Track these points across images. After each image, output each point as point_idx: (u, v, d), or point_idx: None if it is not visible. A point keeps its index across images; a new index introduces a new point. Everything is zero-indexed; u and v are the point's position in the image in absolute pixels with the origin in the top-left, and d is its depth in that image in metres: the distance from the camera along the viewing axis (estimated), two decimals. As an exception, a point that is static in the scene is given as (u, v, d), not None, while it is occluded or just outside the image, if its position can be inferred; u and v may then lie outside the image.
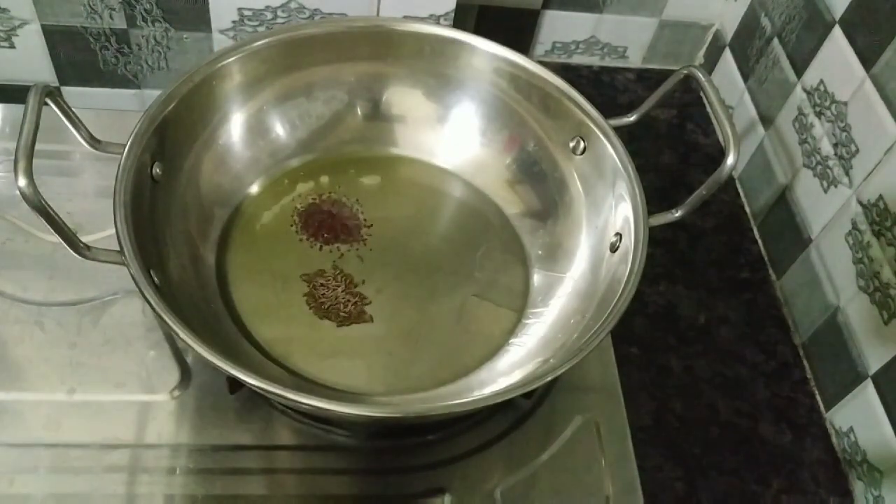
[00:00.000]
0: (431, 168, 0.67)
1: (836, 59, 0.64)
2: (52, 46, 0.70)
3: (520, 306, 0.60)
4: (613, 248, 0.56)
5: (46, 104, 0.48)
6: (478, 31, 0.63)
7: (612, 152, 0.57)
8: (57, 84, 0.73)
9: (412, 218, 0.63)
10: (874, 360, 0.59)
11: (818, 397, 0.65)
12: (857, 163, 0.61)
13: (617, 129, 0.58)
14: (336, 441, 0.54)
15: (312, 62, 0.63)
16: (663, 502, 0.57)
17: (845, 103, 0.63)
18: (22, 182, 0.44)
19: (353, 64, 0.64)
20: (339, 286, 0.58)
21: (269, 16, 0.70)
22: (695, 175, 0.79)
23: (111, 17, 0.68)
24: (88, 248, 0.47)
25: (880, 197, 0.59)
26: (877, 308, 0.59)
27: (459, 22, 0.74)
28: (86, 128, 0.53)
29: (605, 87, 0.86)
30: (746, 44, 0.79)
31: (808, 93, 0.68)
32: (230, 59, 0.58)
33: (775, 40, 0.74)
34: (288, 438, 0.53)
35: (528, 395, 0.56)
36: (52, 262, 0.59)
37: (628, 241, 0.54)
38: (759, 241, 0.75)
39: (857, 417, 0.60)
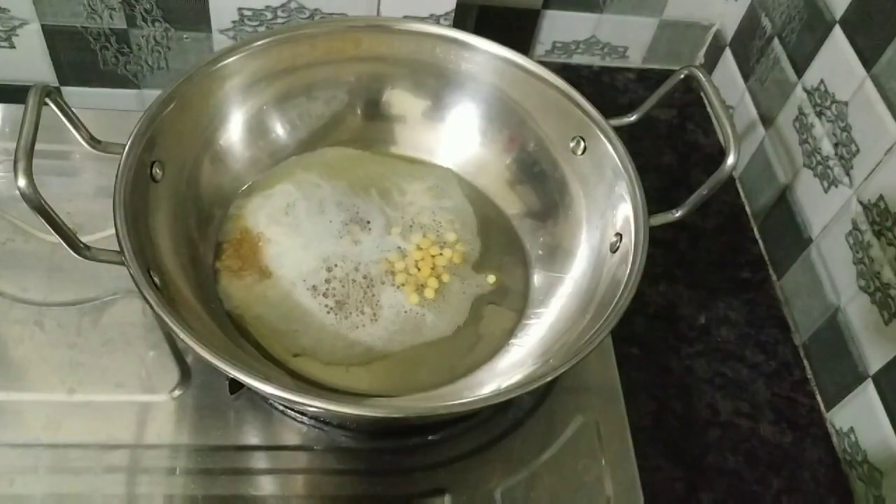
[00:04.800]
0: (431, 168, 0.67)
1: (837, 59, 0.64)
2: (52, 46, 0.70)
3: (520, 306, 0.60)
4: (614, 249, 0.56)
5: (46, 104, 0.48)
6: (478, 31, 0.63)
7: (612, 152, 0.57)
8: (57, 84, 0.73)
9: (412, 219, 0.63)
10: (875, 361, 0.59)
11: (818, 397, 0.65)
12: (858, 163, 0.61)
13: (617, 130, 0.58)
14: (336, 441, 0.54)
15: (312, 62, 0.63)
16: (663, 502, 0.57)
17: (846, 103, 0.63)
18: (22, 182, 0.44)
19: (353, 64, 0.64)
20: (337, 285, 0.58)
21: (269, 16, 0.70)
22: (695, 175, 0.79)
23: (111, 17, 0.68)
24: (88, 248, 0.47)
25: (881, 197, 0.59)
26: (877, 308, 0.59)
27: (459, 22, 0.74)
28: (86, 128, 0.53)
29: (605, 87, 0.86)
30: (747, 44, 0.79)
31: (808, 93, 0.68)
32: (230, 59, 0.58)
33: (776, 40, 0.74)
34: (288, 439, 0.53)
35: (528, 395, 0.56)
36: (52, 262, 0.59)
37: (628, 242, 0.54)
38: (760, 241, 0.75)
39: (857, 418, 0.60)
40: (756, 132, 0.76)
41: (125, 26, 0.69)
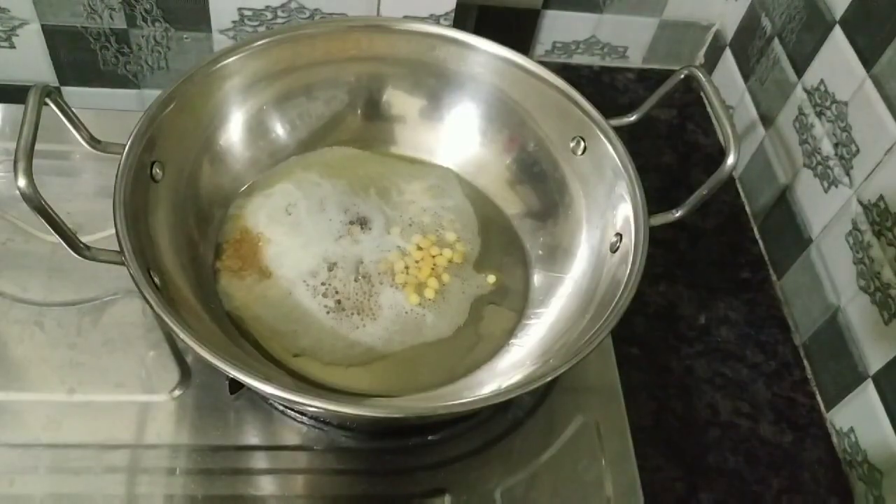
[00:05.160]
0: (431, 168, 0.67)
1: (837, 59, 0.64)
2: (52, 46, 0.70)
3: (520, 307, 0.60)
4: (614, 249, 0.56)
5: (46, 104, 0.48)
6: (478, 31, 0.63)
7: (612, 152, 0.57)
8: (57, 84, 0.73)
9: (412, 218, 0.63)
10: (875, 361, 0.59)
11: (818, 397, 0.65)
12: (858, 163, 0.61)
13: (617, 130, 0.58)
14: (336, 441, 0.54)
15: (312, 62, 0.63)
16: (663, 502, 0.57)
17: (846, 103, 0.63)
18: (22, 182, 0.44)
19: (353, 64, 0.64)
20: (337, 285, 0.58)
21: (269, 16, 0.70)
22: (695, 175, 0.79)
23: (111, 17, 0.68)
24: (88, 248, 0.47)
25: (881, 197, 0.59)
26: (877, 308, 0.59)
27: (459, 22, 0.74)
28: (86, 128, 0.53)
29: (605, 87, 0.86)
30: (747, 44, 0.79)
31: (808, 93, 0.68)
32: (230, 59, 0.58)
33: (776, 40, 0.74)
34: (288, 439, 0.53)
35: (528, 395, 0.56)
36: (52, 262, 0.59)
37: (628, 242, 0.54)
38: (760, 241, 0.75)
39: (857, 418, 0.60)
40: (756, 132, 0.76)
41: (125, 26, 0.69)
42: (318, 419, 0.54)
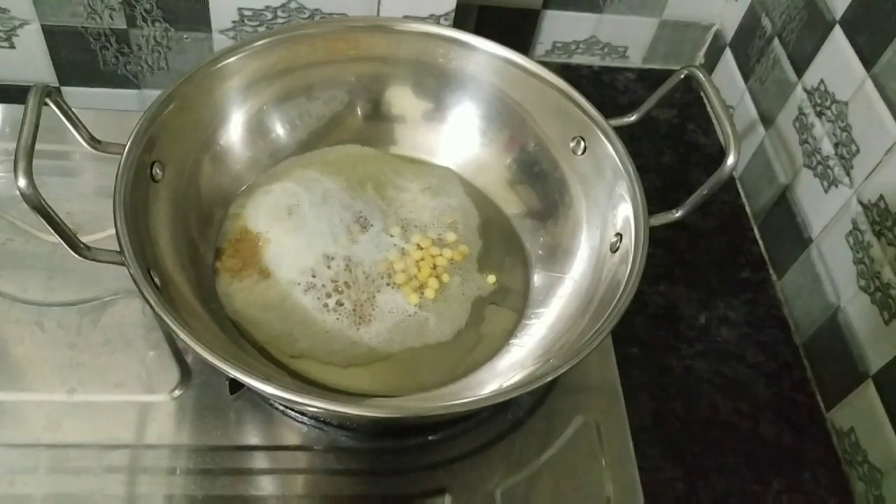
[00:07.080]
0: (432, 168, 0.67)
1: (837, 58, 0.64)
2: (52, 46, 0.70)
3: (520, 307, 0.60)
4: (614, 249, 0.56)
5: (46, 104, 0.48)
6: (478, 31, 0.63)
7: (612, 152, 0.57)
8: (57, 84, 0.73)
9: (412, 218, 0.63)
10: (875, 360, 0.59)
11: (819, 397, 0.65)
12: (858, 163, 0.61)
13: (617, 130, 0.58)
14: (336, 441, 0.54)
15: (312, 62, 0.63)
16: (663, 502, 0.57)
17: (846, 103, 0.63)
18: (22, 182, 0.44)
19: (353, 64, 0.64)
20: (337, 286, 0.58)
21: (269, 16, 0.70)
22: (695, 175, 0.79)
23: (111, 17, 0.68)
24: (88, 248, 0.48)
25: (881, 197, 0.59)
26: (877, 308, 0.59)
27: (459, 22, 0.74)
28: (86, 128, 0.53)
29: (605, 87, 0.86)
30: (747, 44, 0.79)
31: (808, 93, 0.68)
32: (230, 59, 0.58)
33: (776, 40, 0.74)
34: (288, 439, 0.53)
35: (528, 395, 0.56)
36: (52, 262, 0.59)
37: (629, 242, 0.54)
38: (760, 241, 0.75)
39: (857, 418, 0.60)
40: (756, 132, 0.76)
41: (125, 26, 0.69)
42: (319, 419, 0.54)
